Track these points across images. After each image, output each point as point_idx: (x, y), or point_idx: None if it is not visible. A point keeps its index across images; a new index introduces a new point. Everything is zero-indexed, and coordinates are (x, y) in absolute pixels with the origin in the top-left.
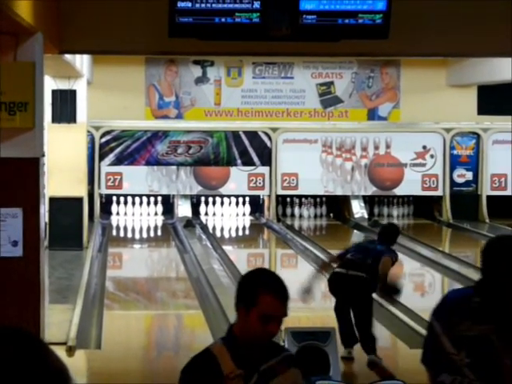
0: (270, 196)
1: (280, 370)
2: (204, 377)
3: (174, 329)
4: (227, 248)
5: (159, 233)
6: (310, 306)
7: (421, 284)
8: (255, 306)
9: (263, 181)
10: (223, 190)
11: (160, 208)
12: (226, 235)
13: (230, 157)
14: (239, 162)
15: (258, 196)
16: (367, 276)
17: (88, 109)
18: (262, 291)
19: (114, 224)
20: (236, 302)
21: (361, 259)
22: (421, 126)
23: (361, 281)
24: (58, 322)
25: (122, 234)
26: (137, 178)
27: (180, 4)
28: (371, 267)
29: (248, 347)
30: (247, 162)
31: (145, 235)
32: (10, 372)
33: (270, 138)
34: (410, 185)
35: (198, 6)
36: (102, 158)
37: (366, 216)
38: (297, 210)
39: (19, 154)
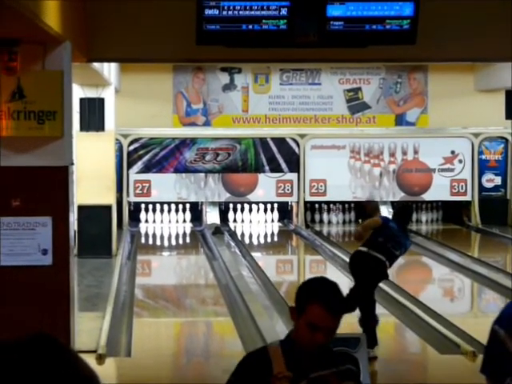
0: (298, 202)
1: (332, 382)
2: (254, 372)
3: (203, 336)
4: (256, 255)
5: (188, 240)
6: None
7: (450, 289)
8: (304, 313)
9: (291, 187)
10: (251, 197)
11: (188, 215)
12: (255, 242)
13: (258, 163)
14: (267, 168)
15: (287, 202)
16: (386, 261)
17: (116, 117)
18: (311, 300)
19: (143, 231)
20: (293, 306)
21: (390, 248)
22: (449, 131)
23: (378, 263)
24: (88, 329)
25: (150, 241)
26: (165, 185)
27: (207, 12)
28: (395, 257)
29: (300, 353)
30: (275, 168)
31: (173, 242)
32: (39, 379)
33: (297, 145)
34: (439, 190)
35: (225, 13)
36: (130, 165)
37: None
38: (325, 216)
39: (48, 163)
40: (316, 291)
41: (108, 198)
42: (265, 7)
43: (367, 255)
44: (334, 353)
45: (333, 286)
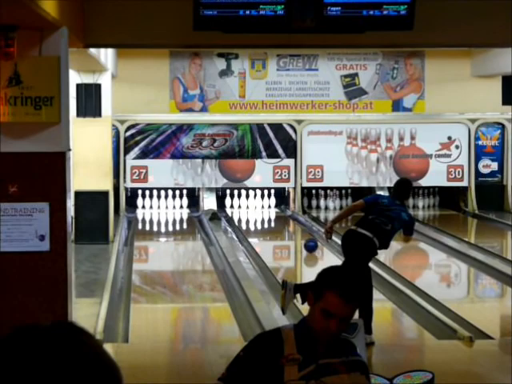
0: (295, 188)
1: (340, 371)
2: (265, 351)
3: (200, 322)
4: (253, 240)
5: (185, 226)
6: None
7: (447, 275)
8: (320, 299)
9: (288, 173)
10: (248, 183)
11: (185, 201)
12: (252, 228)
13: (255, 149)
14: (264, 154)
15: (284, 188)
16: (374, 237)
17: (113, 102)
18: (329, 287)
19: (140, 217)
20: (311, 291)
21: (379, 224)
22: (446, 116)
23: (366, 240)
24: (85, 315)
25: (147, 227)
26: (162, 171)
27: None
28: (386, 232)
29: (312, 338)
30: (272, 154)
31: (170, 228)
32: (64, 367)
33: (294, 130)
34: (436, 176)
35: None
36: (127, 151)
37: None
38: (322, 202)
39: (45, 149)
40: (334, 279)
41: (105, 183)
42: None
43: (355, 233)
44: (346, 342)
45: (352, 277)
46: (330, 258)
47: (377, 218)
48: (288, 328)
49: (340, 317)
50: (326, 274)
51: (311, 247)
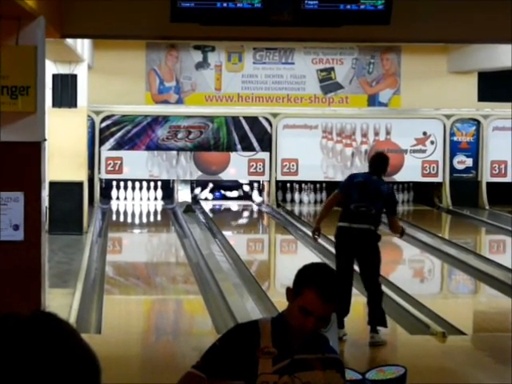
0: (269, 181)
1: (315, 367)
2: (241, 342)
3: (173, 314)
4: (227, 233)
5: (159, 218)
6: None
7: (420, 270)
8: (299, 296)
9: (263, 166)
10: (223, 176)
11: (160, 193)
12: (226, 220)
13: (230, 142)
14: (239, 147)
15: (258, 181)
16: (370, 227)
17: (88, 93)
18: (308, 285)
19: (114, 209)
20: (290, 287)
21: (364, 210)
22: (421, 112)
23: (365, 232)
24: (58, 306)
25: (121, 218)
26: (137, 162)
27: None
28: (374, 216)
29: (289, 333)
30: (247, 147)
31: (145, 220)
32: (48, 357)
33: (270, 124)
34: (410, 171)
35: None
36: (102, 142)
37: None
38: (297, 196)
39: (21, 138)
40: (314, 277)
41: (80, 174)
42: None
43: (350, 230)
44: (320, 336)
45: (332, 275)
46: (304, 252)
47: (359, 205)
48: (265, 321)
49: (318, 315)
50: (306, 271)
51: (218, 197)
